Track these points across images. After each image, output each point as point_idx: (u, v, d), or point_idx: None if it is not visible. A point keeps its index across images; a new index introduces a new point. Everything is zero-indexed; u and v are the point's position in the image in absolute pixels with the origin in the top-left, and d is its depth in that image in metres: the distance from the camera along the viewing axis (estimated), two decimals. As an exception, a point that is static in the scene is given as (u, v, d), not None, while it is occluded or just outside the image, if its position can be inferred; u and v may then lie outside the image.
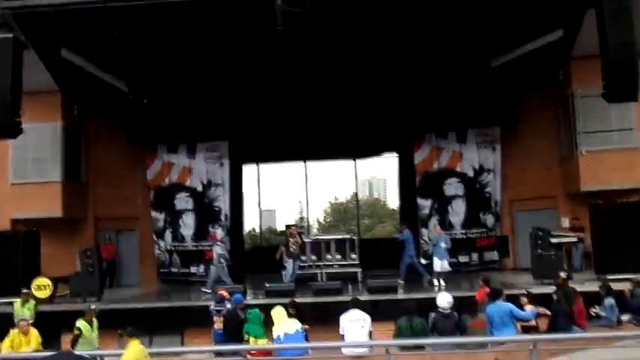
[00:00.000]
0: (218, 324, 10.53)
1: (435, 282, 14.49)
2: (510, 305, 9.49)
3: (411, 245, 15.85)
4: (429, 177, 18.45)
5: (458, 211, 18.28)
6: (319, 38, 14.93)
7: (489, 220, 18.28)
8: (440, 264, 14.78)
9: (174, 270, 18.75)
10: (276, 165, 25.36)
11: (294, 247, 15.70)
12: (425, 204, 18.46)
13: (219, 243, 16.11)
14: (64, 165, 16.63)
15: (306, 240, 17.19)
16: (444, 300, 9.53)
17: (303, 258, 16.72)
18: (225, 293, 11.11)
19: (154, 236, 19.04)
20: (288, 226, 19.51)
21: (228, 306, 10.68)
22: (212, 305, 10.81)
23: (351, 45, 15.34)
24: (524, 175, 17.94)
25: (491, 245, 18.18)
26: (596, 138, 15.36)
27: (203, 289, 15.17)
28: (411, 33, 14.88)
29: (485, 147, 18.36)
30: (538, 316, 10.08)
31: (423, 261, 16.81)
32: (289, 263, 15.63)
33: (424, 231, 18.28)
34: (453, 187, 18.37)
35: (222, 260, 15.51)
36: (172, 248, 18.77)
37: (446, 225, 17.91)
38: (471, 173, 18.35)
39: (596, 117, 15.21)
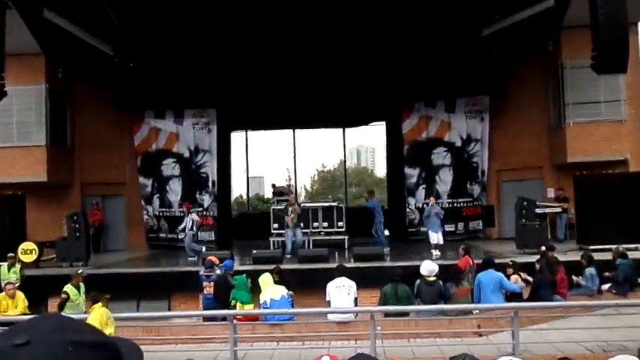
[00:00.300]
0: (208, 289, 10.62)
1: (434, 252, 14.12)
2: (501, 276, 9.67)
3: (378, 213, 15.93)
4: (417, 146, 18.50)
5: (445, 181, 18.40)
6: (310, 4, 14.72)
7: (476, 189, 18.45)
8: (436, 237, 14.31)
9: (162, 235, 18.80)
10: (264, 132, 25.24)
11: (293, 215, 15.48)
12: (412, 173, 18.55)
13: (192, 212, 16.12)
14: (48, 129, 16.43)
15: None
16: (427, 268, 9.68)
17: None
18: (214, 259, 11.18)
19: (142, 202, 19.03)
20: (276, 191, 19.56)
21: (218, 272, 10.76)
22: (201, 271, 10.89)
23: (341, 12, 15.15)
24: (511, 146, 18.03)
25: (476, 215, 18.39)
26: (584, 109, 15.42)
27: (189, 259, 15.26)
28: (401, 1, 14.71)
29: (474, 117, 18.39)
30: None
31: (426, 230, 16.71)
32: (294, 232, 15.37)
33: (411, 200, 18.43)
34: (440, 156, 18.45)
35: (194, 228, 15.54)
36: (160, 214, 18.78)
37: (433, 194, 18.05)
38: (458, 143, 18.41)
39: (584, 88, 15.24)
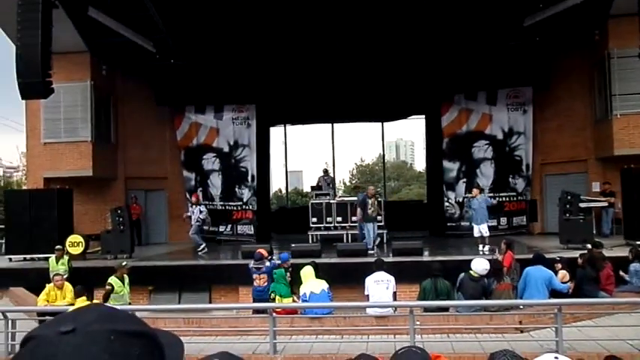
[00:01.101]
0: (257, 281, 10.72)
1: (481, 248, 13.63)
2: (552, 274, 9.48)
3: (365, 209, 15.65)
4: (457, 140, 18.26)
5: (486, 174, 18.12)
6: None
7: (519, 184, 18.06)
8: (477, 229, 13.87)
9: (204, 228, 19.08)
10: (302, 127, 25.37)
11: (372, 208, 14.36)
12: (452, 167, 18.33)
13: (201, 204, 16.34)
14: (93, 125, 16.87)
15: (332, 201, 17.20)
16: (480, 266, 9.51)
17: (329, 219, 16.85)
18: (264, 251, 11.26)
19: (187, 194, 19.33)
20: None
21: (268, 264, 10.86)
22: (251, 263, 10.98)
23: (381, 4, 15.04)
24: (555, 138, 17.63)
25: (521, 210, 17.98)
26: (632, 100, 14.93)
27: (199, 252, 15.45)
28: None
29: (516, 109, 18.04)
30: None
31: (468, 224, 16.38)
32: (368, 227, 14.30)
33: (451, 194, 18.21)
34: (481, 149, 18.18)
35: (200, 220, 15.76)
36: (204, 207, 19.06)
37: (475, 187, 17.80)
38: (500, 136, 18.10)
39: (632, 78, 14.76)
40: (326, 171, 20.41)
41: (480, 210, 14.02)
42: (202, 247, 15.69)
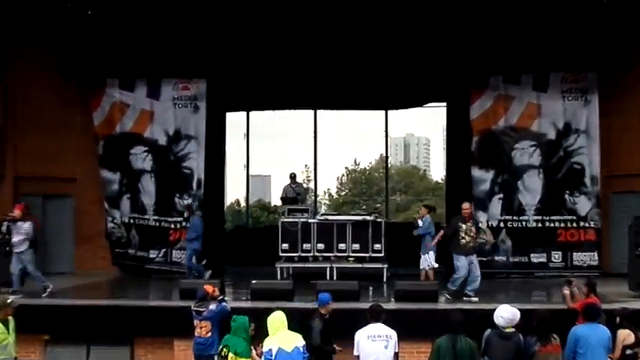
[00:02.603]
0: (199, 330, 10.66)
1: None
2: (609, 332, 9.54)
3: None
4: (491, 138, 18.34)
5: (532, 189, 18.22)
6: None
7: (581, 203, 18.05)
8: (424, 260, 15.28)
9: (131, 252, 19.00)
10: (273, 114, 25.32)
11: (469, 236, 13.93)
12: (483, 176, 18.40)
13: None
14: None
15: (311, 220, 17.21)
16: (505, 315, 9.53)
17: (306, 246, 16.85)
18: (209, 288, 11.25)
19: (106, 204, 19.22)
20: (288, 197, 19.33)
21: (212, 307, 10.84)
22: (193, 305, 10.96)
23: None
24: (626, 143, 17.86)
25: (586, 243, 17.96)
26: None
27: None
28: None
29: (575, 98, 18.22)
30: None
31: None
32: (460, 260, 13.97)
33: (481, 215, 18.22)
34: (525, 153, 18.29)
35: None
36: (131, 221, 19.02)
37: (514, 208, 17.89)
38: (552, 135, 18.24)
39: None
40: (294, 176, 20.31)
41: (428, 236, 14.95)
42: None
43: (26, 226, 14.68)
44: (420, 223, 15.67)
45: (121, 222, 19.16)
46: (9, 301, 10.61)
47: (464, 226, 13.92)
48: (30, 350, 12.86)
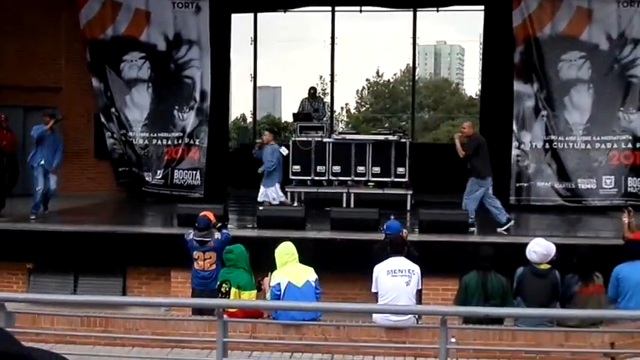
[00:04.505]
0: (200, 263, 10.79)
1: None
2: None
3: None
4: (536, 47, 18.15)
5: (580, 106, 18.07)
6: None
7: (637, 121, 18.03)
8: (264, 192, 15.09)
9: (135, 170, 19.11)
10: (283, 15, 25.13)
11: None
12: (527, 91, 18.26)
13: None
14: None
15: (326, 140, 17.19)
16: (539, 249, 9.62)
17: (321, 168, 16.90)
18: (210, 215, 11.32)
19: (102, 117, 19.29)
20: (301, 113, 19.31)
21: (217, 235, 10.93)
22: (190, 234, 11.03)
23: None
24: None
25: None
26: None
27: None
28: None
29: (630, 3, 17.91)
30: None
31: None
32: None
33: (523, 136, 18.16)
34: (574, 66, 18.09)
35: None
36: (123, 138, 19.13)
37: (560, 127, 17.79)
38: (604, 45, 17.98)
39: None
40: (313, 91, 20.21)
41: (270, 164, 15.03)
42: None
43: None
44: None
45: (119, 137, 19.21)
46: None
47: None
48: (12, 280, 13.14)
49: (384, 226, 11.19)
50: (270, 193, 15.01)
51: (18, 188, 18.40)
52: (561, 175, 17.87)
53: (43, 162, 14.78)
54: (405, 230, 11.22)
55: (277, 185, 15.22)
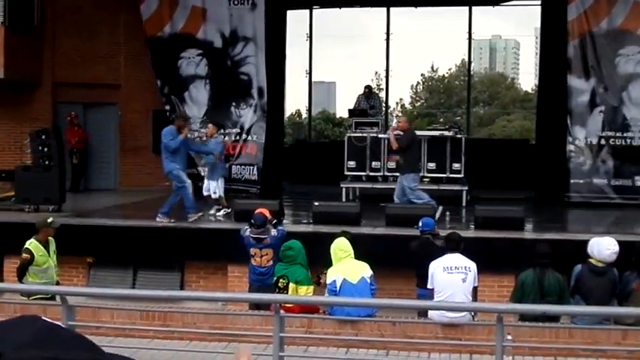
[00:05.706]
0: (257, 259, 10.86)
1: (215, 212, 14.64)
2: None
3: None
4: (591, 41, 17.92)
5: (638, 101, 17.86)
6: None
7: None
8: (207, 186, 14.96)
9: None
10: (338, 12, 25.10)
11: None
12: (582, 86, 18.02)
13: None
14: (7, 2, 16.90)
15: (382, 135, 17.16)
16: (604, 248, 9.50)
17: (376, 164, 16.88)
18: (266, 212, 11.36)
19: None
20: (357, 108, 19.29)
21: (274, 232, 10.99)
22: (247, 231, 11.07)
23: None
24: None
25: None
26: None
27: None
28: None
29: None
30: None
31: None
32: None
33: (578, 131, 17.94)
34: (631, 60, 17.83)
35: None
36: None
37: (618, 123, 17.54)
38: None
39: None
40: (368, 90, 20.17)
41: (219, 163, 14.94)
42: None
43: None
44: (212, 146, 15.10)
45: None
46: (49, 220, 10.96)
47: None
48: (73, 274, 13.34)
49: (420, 223, 11.15)
50: (211, 187, 14.95)
51: (83, 185, 18.70)
52: (618, 172, 17.64)
53: (181, 171, 14.50)
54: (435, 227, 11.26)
55: (221, 180, 15.04)
